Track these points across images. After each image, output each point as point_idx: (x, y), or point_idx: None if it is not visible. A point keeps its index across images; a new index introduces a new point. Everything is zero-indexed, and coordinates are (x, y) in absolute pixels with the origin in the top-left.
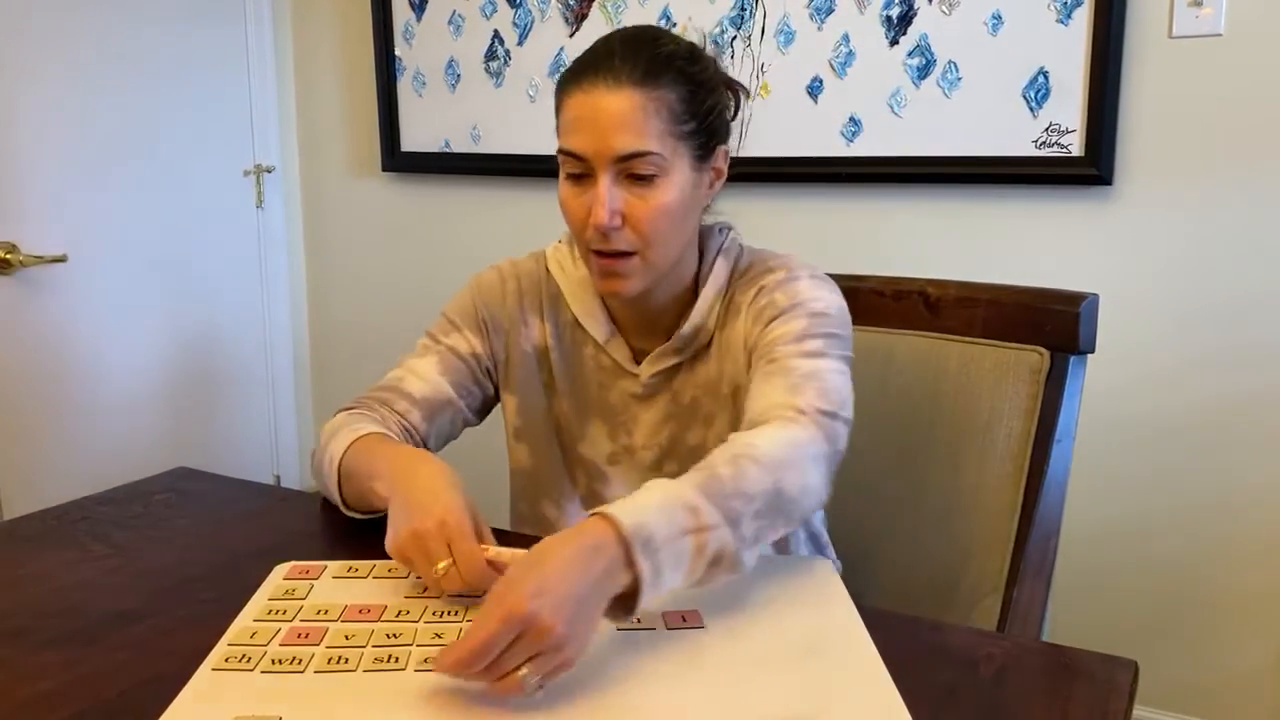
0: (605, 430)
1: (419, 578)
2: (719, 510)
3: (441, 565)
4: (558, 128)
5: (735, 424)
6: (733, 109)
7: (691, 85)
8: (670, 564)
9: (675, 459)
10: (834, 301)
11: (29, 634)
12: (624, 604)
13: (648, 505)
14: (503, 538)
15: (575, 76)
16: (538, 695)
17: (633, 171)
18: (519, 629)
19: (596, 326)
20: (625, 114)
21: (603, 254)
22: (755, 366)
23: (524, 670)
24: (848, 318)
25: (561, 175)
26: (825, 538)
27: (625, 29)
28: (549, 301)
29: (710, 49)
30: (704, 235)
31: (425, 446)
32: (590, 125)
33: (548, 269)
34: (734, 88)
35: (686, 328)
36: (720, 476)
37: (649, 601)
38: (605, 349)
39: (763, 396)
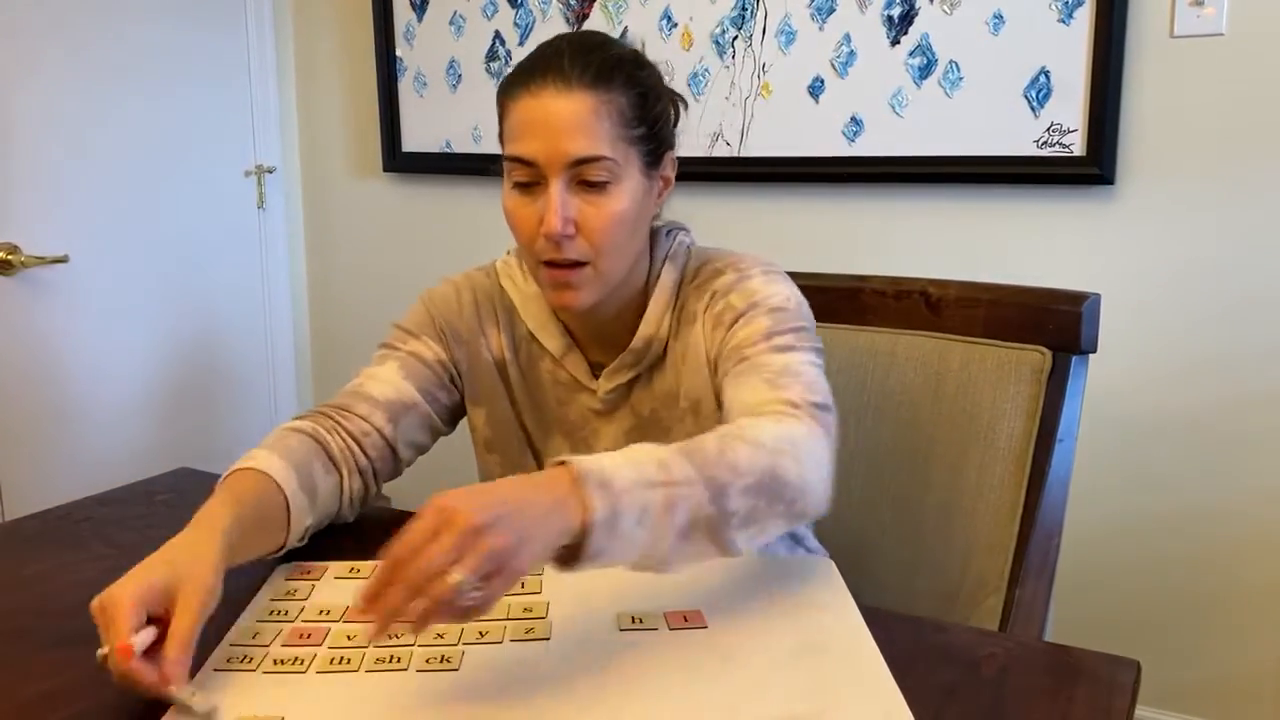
0: (567, 445)
1: None
2: (696, 470)
3: (100, 651)
4: (502, 134)
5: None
6: (674, 118)
7: (640, 89)
8: (632, 513)
9: None
10: (791, 294)
11: (31, 634)
12: (572, 552)
13: (613, 455)
14: None
15: (523, 79)
16: (474, 598)
17: (585, 178)
18: (440, 520)
19: (552, 340)
20: (578, 117)
21: (554, 265)
22: (725, 371)
23: (454, 574)
24: (808, 309)
25: (507, 185)
26: (804, 535)
27: (572, 33)
28: (504, 314)
29: (646, 55)
30: (652, 242)
31: (394, 451)
32: (541, 129)
33: (500, 282)
34: (673, 98)
35: (638, 341)
36: (703, 447)
37: (604, 549)
38: (562, 364)
39: (743, 395)
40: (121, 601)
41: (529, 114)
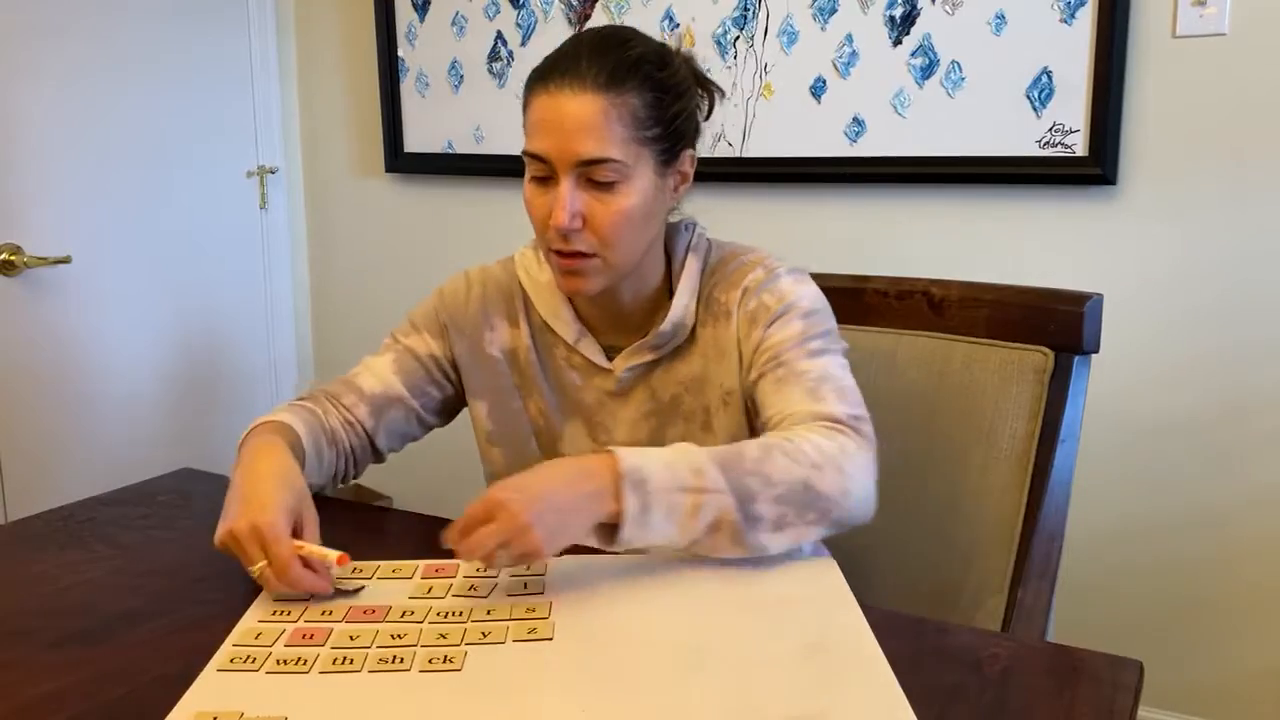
0: (584, 430)
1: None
2: (726, 479)
3: (256, 568)
4: (524, 127)
5: (735, 427)
6: (706, 110)
7: (658, 90)
8: (661, 511)
9: None
10: (817, 296)
11: (34, 634)
12: (610, 532)
13: (656, 455)
14: None
15: (541, 78)
16: (505, 568)
17: (593, 176)
18: (492, 512)
19: (564, 327)
20: (588, 119)
21: (563, 254)
22: (761, 372)
23: (499, 556)
24: (829, 308)
25: (526, 176)
26: None
27: (596, 29)
28: (522, 305)
29: (682, 49)
30: (670, 234)
31: (372, 441)
32: (553, 128)
33: (516, 274)
34: (708, 87)
35: (665, 325)
36: (743, 455)
37: (635, 537)
38: (576, 349)
39: (781, 403)
40: (277, 523)
41: (544, 112)
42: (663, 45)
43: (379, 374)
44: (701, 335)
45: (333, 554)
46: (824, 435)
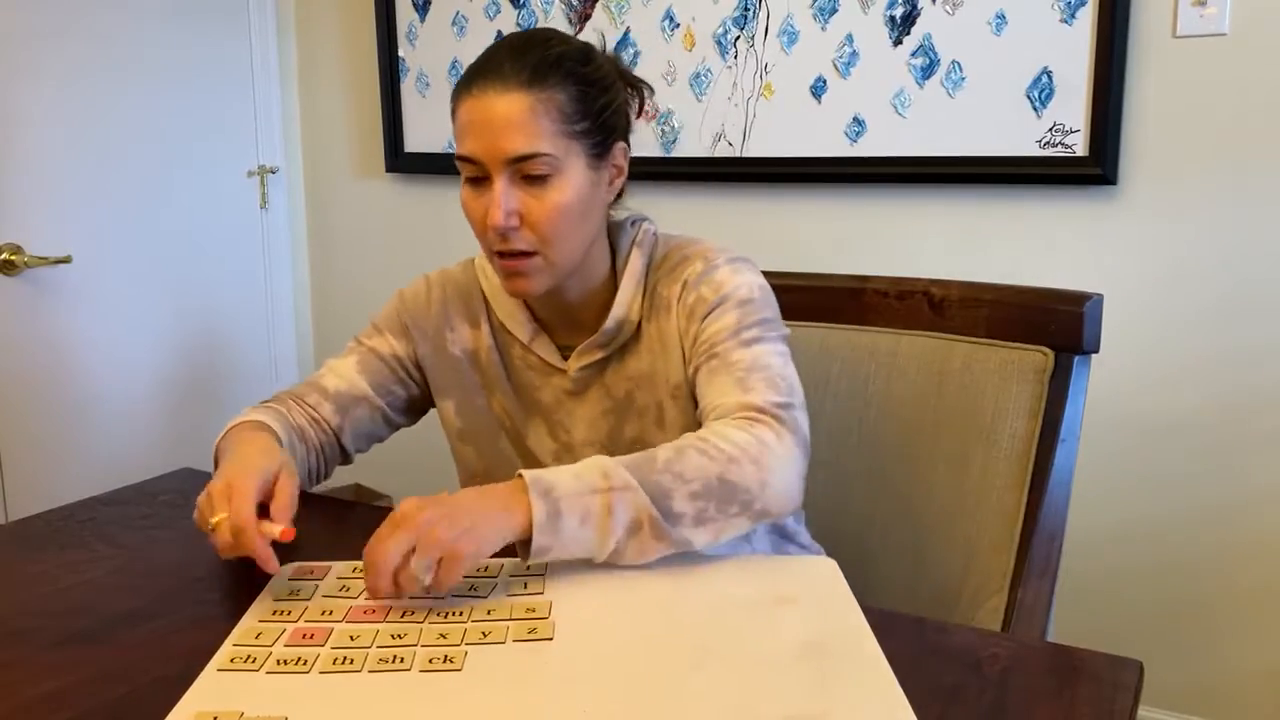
0: (545, 429)
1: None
2: (637, 478)
3: (214, 519)
4: (454, 135)
5: (686, 420)
6: (637, 106)
7: (583, 84)
8: (575, 517)
9: (617, 453)
10: (755, 283)
11: (35, 634)
12: (527, 545)
13: (565, 468)
14: None
15: (467, 83)
16: (427, 582)
17: (526, 172)
18: (396, 523)
19: (519, 328)
20: (515, 116)
21: (504, 255)
22: (697, 365)
23: (412, 560)
24: (772, 296)
25: (462, 180)
26: (795, 532)
27: (516, 33)
28: (482, 305)
29: (608, 48)
30: (614, 230)
31: (339, 439)
32: (482, 129)
33: (476, 275)
34: (634, 83)
35: (610, 322)
36: (654, 457)
37: (551, 545)
38: (531, 349)
39: (713, 394)
40: (247, 484)
41: (471, 115)
42: (584, 43)
43: (343, 374)
44: (647, 331)
45: (277, 528)
46: (741, 428)
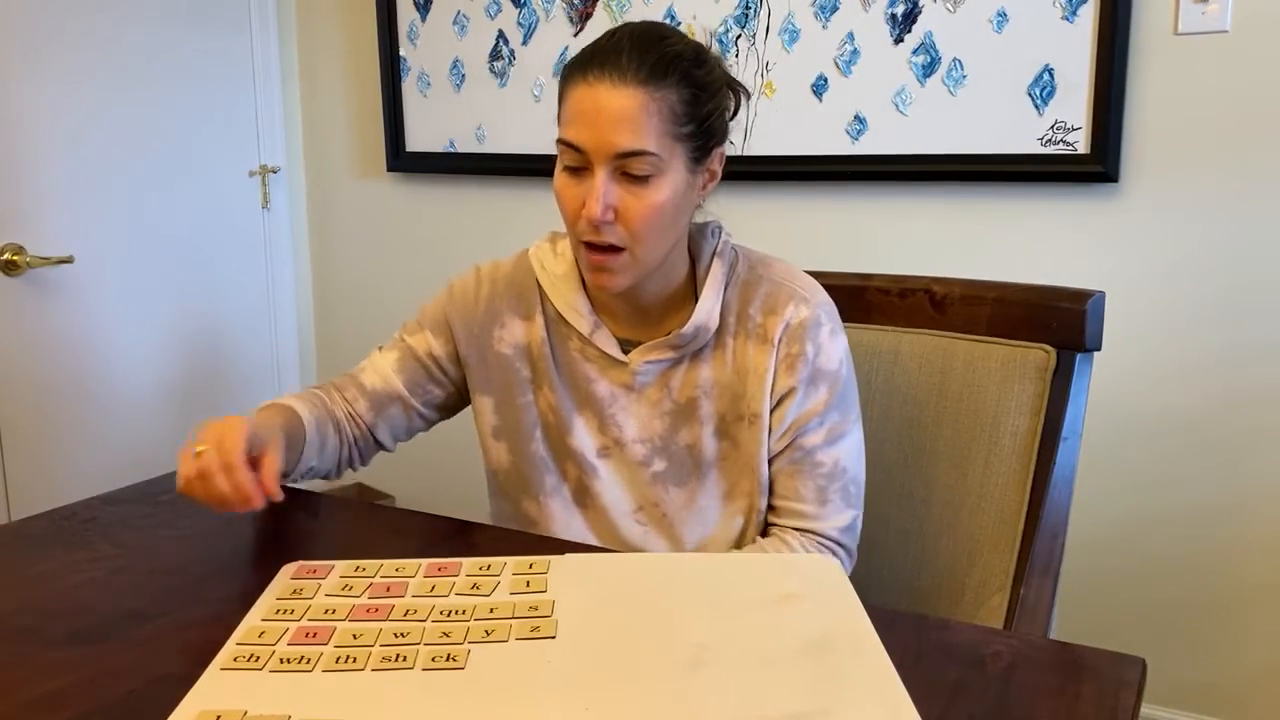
0: (595, 423)
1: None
2: None
3: (199, 448)
4: (559, 116)
5: (756, 445)
6: (733, 110)
7: (695, 88)
8: None
9: (666, 456)
10: (845, 353)
11: (38, 633)
12: None
13: None
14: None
15: (581, 67)
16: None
17: (628, 170)
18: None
19: (579, 319)
20: (627, 112)
21: (593, 247)
22: (783, 445)
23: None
24: (850, 356)
25: (558, 165)
26: None
27: (635, 24)
28: (536, 297)
29: (714, 49)
30: (695, 235)
31: (372, 434)
32: (591, 119)
33: (532, 268)
34: (736, 88)
35: (688, 327)
36: None
37: None
38: (591, 341)
39: (793, 494)
40: (240, 430)
41: (582, 103)
42: (697, 43)
43: (381, 371)
44: (729, 345)
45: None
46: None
